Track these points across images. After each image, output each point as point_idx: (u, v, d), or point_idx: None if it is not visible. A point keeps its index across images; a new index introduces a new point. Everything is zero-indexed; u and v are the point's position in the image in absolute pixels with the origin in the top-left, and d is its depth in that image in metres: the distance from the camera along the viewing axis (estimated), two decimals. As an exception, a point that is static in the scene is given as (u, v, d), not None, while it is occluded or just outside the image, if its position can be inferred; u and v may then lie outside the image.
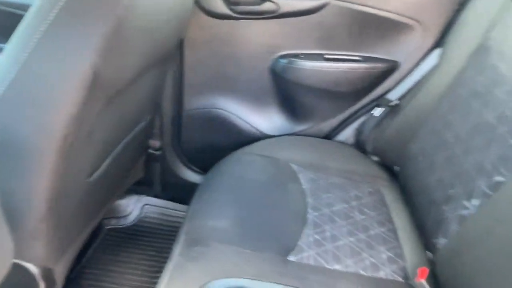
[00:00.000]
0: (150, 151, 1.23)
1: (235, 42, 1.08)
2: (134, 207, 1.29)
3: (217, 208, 0.80)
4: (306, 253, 0.72)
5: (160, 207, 1.31)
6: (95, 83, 0.52)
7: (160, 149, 1.24)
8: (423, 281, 0.65)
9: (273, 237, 0.74)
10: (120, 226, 1.25)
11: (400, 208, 0.88)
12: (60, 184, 0.61)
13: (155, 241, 1.21)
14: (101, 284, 1.05)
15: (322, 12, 1.01)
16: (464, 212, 0.62)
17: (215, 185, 0.89)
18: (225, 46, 1.09)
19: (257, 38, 1.07)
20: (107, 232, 1.23)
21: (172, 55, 1.02)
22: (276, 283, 0.63)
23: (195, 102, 1.18)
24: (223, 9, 1.02)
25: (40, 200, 0.59)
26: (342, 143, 1.15)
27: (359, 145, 1.12)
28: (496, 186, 0.57)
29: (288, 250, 0.72)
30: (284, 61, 1.08)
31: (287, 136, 1.15)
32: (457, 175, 0.67)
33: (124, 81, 0.60)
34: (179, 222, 1.30)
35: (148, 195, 1.32)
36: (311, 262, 0.70)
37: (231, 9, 1.02)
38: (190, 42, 1.08)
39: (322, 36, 1.05)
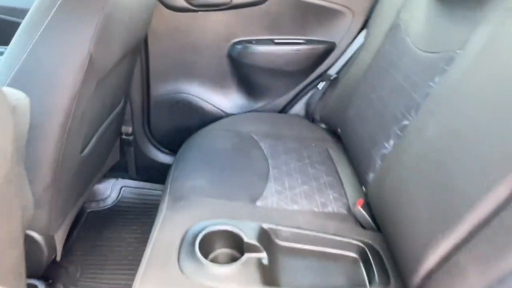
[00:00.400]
0: (123, 136, 1.34)
1: (194, 32, 1.22)
2: (112, 190, 1.39)
3: (194, 172, 0.95)
4: (270, 200, 0.89)
5: (136, 188, 1.42)
6: (90, 67, 0.64)
7: (132, 134, 1.35)
8: (360, 208, 0.85)
9: (242, 190, 0.90)
10: (101, 208, 1.35)
11: (343, 162, 1.08)
12: (61, 157, 0.72)
13: (135, 218, 1.33)
14: (91, 257, 1.16)
15: (268, 2, 1.17)
16: (385, 151, 0.82)
17: (189, 155, 1.03)
18: (186, 36, 1.22)
19: (214, 27, 1.22)
20: (89, 215, 1.32)
21: (139, 46, 1.14)
22: (247, 220, 0.79)
23: (161, 89, 1.30)
24: (181, 2, 1.15)
25: (46, 170, 0.70)
26: (295, 115, 1.33)
27: (308, 116, 1.31)
28: (403, 128, 0.77)
29: (255, 198, 0.88)
30: (239, 47, 1.24)
31: (247, 113, 1.31)
32: (380, 125, 0.87)
33: (110, 66, 0.73)
34: (155, 200, 1.42)
35: (124, 178, 1.43)
36: (274, 205, 0.87)
37: (189, 3, 1.15)
38: (153, 34, 1.20)
39: (270, 23, 1.21)
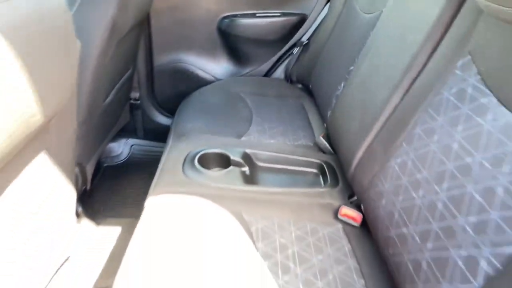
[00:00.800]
0: (132, 101, 1.58)
1: (189, 9, 1.45)
2: (124, 148, 1.64)
3: (192, 117, 1.19)
4: (252, 136, 1.14)
5: (144, 146, 1.67)
6: (113, 28, 0.88)
7: (139, 100, 1.59)
8: (321, 138, 1.10)
9: (231, 129, 1.15)
10: (115, 163, 1.60)
11: (314, 111, 1.32)
12: (91, 99, 0.97)
13: (144, 169, 1.56)
14: (111, 198, 1.41)
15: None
16: (338, 92, 1.07)
17: (188, 107, 1.27)
18: (182, 13, 1.46)
19: (205, 5, 1.45)
20: (106, 168, 1.57)
21: (144, 21, 1.37)
22: (234, 147, 1.04)
23: (162, 59, 1.54)
24: (178, -16, 1.38)
25: (82, 107, 0.94)
26: (276, 78, 1.58)
27: (287, 78, 1.55)
28: (350, 72, 1.02)
29: (241, 135, 1.13)
30: (226, 20, 1.47)
31: (235, 77, 1.55)
32: (336, 73, 1.12)
33: (125, 30, 0.96)
34: (160, 155, 1.66)
35: (133, 138, 1.67)
36: (256, 140, 1.12)
37: (184, -16, 1.38)
38: (155, 12, 1.43)
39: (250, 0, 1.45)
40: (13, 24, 0.46)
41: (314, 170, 1.03)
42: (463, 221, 0.51)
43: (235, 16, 1.46)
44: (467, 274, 0.47)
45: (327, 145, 1.08)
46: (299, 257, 0.74)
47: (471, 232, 0.49)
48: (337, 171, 1.00)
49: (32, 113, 0.53)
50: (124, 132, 1.62)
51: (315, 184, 1.00)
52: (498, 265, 0.44)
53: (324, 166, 1.02)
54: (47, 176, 0.75)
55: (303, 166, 1.04)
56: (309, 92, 1.45)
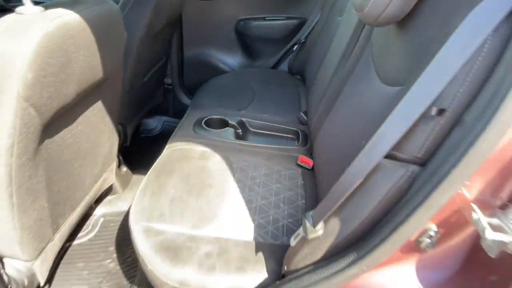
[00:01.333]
0: (165, 86, 1.98)
1: (213, 14, 1.83)
2: (158, 123, 2.05)
3: (207, 95, 1.56)
4: (250, 111, 1.47)
5: (174, 122, 2.06)
6: (149, 26, 1.26)
7: (171, 85, 1.99)
8: (301, 113, 1.41)
9: (235, 105, 1.50)
10: (151, 135, 2.01)
11: (305, 95, 1.64)
12: (133, 75, 1.36)
13: (173, 140, 1.96)
14: (143, 159, 1.80)
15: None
16: (317, 74, 1.38)
17: (206, 88, 1.64)
18: (207, 17, 1.83)
19: (225, 10, 1.82)
20: (142, 138, 1.98)
21: (176, 24, 1.77)
22: (233, 116, 1.38)
23: (191, 53, 1.93)
24: (205, -6, 1.77)
25: (127, 80, 1.33)
26: (281, 70, 1.91)
27: (290, 71, 1.88)
28: (324, 57, 1.33)
29: (242, 109, 1.47)
30: (242, 23, 1.83)
31: (248, 69, 1.90)
32: (316, 63, 1.43)
33: (159, 28, 1.35)
34: (186, 131, 2.05)
35: (165, 115, 2.08)
36: (252, 113, 1.46)
37: (209, -6, 1.76)
38: (186, 16, 1.82)
39: (262, 6, 1.79)
40: (95, 19, 0.84)
41: (292, 136, 1.35)
42: (344, 141, 0.82)
43: (249, 19, 1.82)
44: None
45: (305, 118, 1.40)
46: (263, 184, 1.07)
47: (350, 147, 0.80)
48: (308, 136, 1.31)
49: (97, 69, 0.91)
50: (159, 111, 2.03)
51: (290, 144, 1.32)
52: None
53: (299, 132, 1.34)
54: (100, 119, 1.14)
55: (284, 132, 1.36)
56: (305, 82, 1.77)
